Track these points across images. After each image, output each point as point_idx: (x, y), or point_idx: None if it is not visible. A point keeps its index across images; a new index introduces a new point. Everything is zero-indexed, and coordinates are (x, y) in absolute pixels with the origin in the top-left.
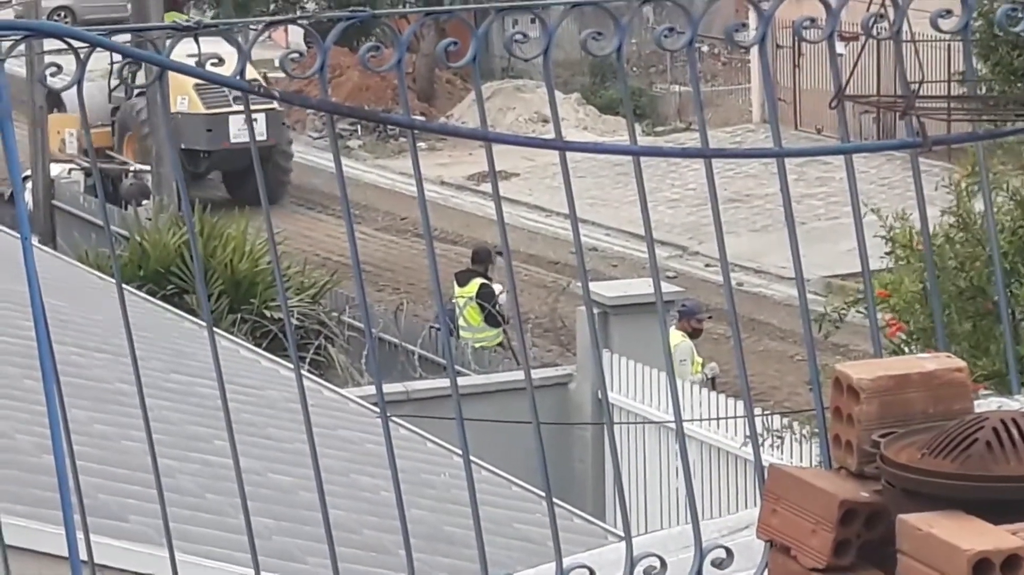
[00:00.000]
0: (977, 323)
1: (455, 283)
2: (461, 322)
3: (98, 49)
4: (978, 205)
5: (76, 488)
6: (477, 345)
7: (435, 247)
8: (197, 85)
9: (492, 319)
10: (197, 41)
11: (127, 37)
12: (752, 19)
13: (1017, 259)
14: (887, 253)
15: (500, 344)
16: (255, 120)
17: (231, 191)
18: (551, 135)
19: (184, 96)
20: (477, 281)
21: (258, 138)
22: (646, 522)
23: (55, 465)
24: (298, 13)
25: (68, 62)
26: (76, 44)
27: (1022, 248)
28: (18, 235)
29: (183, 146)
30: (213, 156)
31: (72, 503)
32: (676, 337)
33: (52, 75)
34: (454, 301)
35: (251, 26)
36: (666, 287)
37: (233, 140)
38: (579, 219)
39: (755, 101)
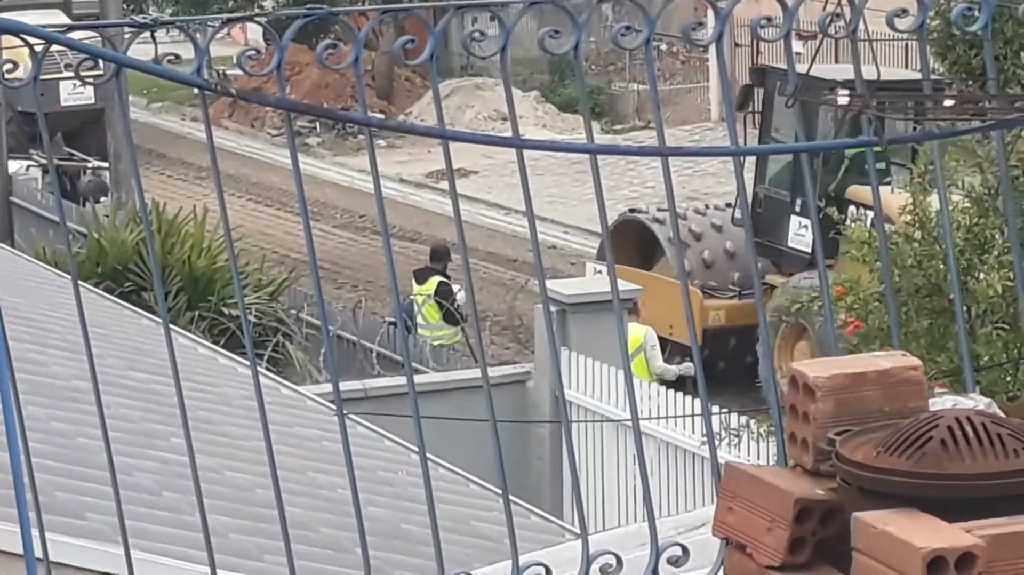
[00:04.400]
0: (934, 320)
1: (413, 281)
2: (419, 320)
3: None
4: (934, 202)
5: (32, 485)
6: (435, 343)
7: (393, 245)
8: (32, 53)
9: (450, 317)
10: (154, 38)
11: (84, 34)
12: (710, 17)
13: (973, 256)
14: (843, 252)
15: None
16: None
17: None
18: (510, 133)
19: (21, 63)
20: (435, 279)
21: (87, 102)
22: (603, 520)
23: (11, 462)
24: (256, 11)
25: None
26: (32, 41)
27: (977, 245)
28: None
29: (19, 108)
30: (47, 118)
31: (27, 500)
32: (640, 327)
33: (8, 72)
34: (412, 298)
35: (209, 23)
36: (623, 285)
37: (63, 103)
38: (537, 217)
39: (713, 99)
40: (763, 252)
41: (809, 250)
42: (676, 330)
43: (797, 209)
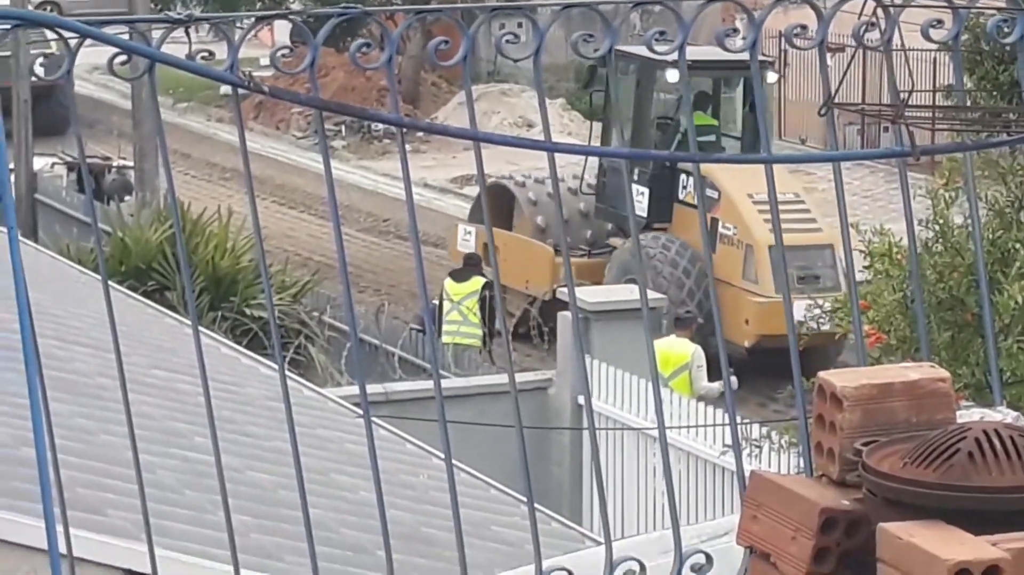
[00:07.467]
0: (956, 334)
1: (451, 280)
2: (455, 316)
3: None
4: (956, 216)
5: (56, 481)
6: (460, 340)
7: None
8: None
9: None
10: (188, 34)
11: (118, 28)
12: (740, 25)
13: (996, 268)
14: (865, 267)
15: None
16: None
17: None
18: (538, 138)
19: None
20: (479, 279)
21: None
22: (623, 528)
23: (36, 458)
24: (287, 9)
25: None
26: (66, 34)
27: (1000, 258)
28: (2, 227)
29: None
30: (2, 92)
31: (52, 496)
32: (689, 345)
33: (42, 65)
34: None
35: (241, 21)
36: (649, 294)
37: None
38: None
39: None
40: (607, 217)
41: (646, 215)
42: (531, 284)
43: (636, 178)
